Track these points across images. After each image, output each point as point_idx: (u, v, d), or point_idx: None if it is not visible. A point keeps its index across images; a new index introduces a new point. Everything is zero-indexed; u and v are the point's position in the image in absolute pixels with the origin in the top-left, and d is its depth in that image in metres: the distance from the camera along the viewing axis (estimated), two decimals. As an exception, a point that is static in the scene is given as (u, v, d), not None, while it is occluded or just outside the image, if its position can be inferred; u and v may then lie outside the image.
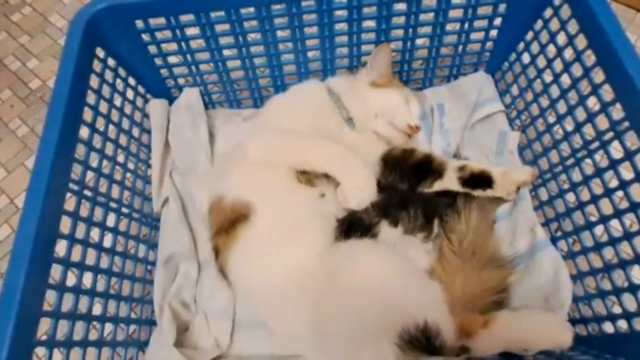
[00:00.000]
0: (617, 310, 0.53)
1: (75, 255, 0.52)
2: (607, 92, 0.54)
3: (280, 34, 0.69)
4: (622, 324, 0.53)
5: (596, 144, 0.56)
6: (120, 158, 0.65)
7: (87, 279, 0.54)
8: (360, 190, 0.58)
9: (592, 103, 0.57)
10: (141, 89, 0.74)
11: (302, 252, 0.55)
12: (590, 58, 0.56)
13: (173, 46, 0.70)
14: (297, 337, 0.55)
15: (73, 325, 0.50)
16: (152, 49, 0.70)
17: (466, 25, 0.71)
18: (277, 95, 0.74)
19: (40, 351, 0.45)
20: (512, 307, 0.58)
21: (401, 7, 0.67)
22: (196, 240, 0.70)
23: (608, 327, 0.54)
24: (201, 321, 0.65)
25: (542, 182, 0.67)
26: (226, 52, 0.73)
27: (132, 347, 0.60)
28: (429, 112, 0.79)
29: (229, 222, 0.57)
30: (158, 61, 0.73)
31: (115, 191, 0.62)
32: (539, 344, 0.52)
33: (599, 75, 0.55)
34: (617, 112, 0.52)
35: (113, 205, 0.61)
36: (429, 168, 0.64)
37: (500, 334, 0.51)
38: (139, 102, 0.73)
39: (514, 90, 0.74)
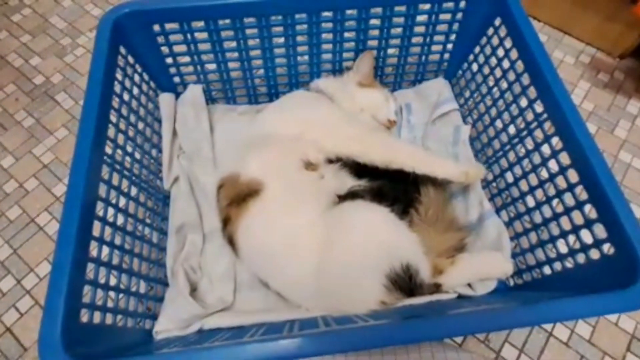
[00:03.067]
0: (542, 258, 0.69)
1: (109, 217, 0.62)
2: (532, 92, 0.71)
3: (275, 40, 0.82)
4: (546, 270, 0.68)
5: (525, 132, 0.73)
6: (139, 141, 0.75)
7: (117, 239, 0.64)
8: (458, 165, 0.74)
9: (522, 101, 0.74)
10: (153, 84, 0.85)
11: (303, 217, 0.67)
12: (520, 66, 0.73)
13: (182, 48, 0.82)
14: (297, 288, 0.67)
15: (110, 271, 0.59)
16: (165, 49, 0.81)
17: (428, 39, 0.87)
18: (282, 102, 0.84)
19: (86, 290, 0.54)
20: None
21: (376, 22, 0.82)
22: (201, 215, 0.81)
23: (536, 274, 0.70)
24: (206, 283, 0.76)
25: (488, 165, 0.83)
26: (228, 55, 0.85)
27: (151, 300, 0.69)
28: (398, 110, 0.95)
29: (242, 195, 0.68)
30: (169, 60, 0.84)
31: (135, 168, 0.72)
32: (490, 273, 0.69)
33: (526, 79, 0.72)
34: (539, 107, 0.69)
35: (135, 179, 0.71)
36: None
37: (464, 268, 0.67)
38: (151, 94, 0.83)
39: (466, 92, 0.90)
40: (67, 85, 1.04)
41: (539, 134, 0.70)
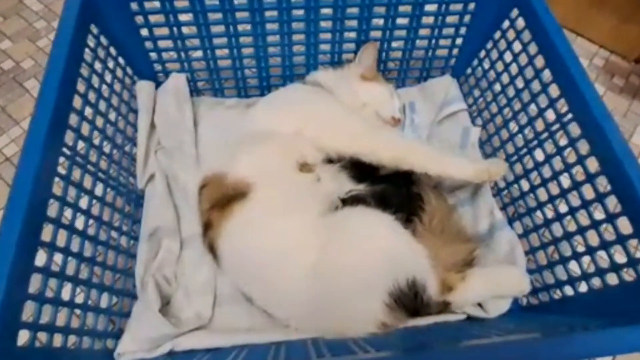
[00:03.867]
0: (562, 276, 0.61)
1: (65, 220, 0.52)
2: (554, 90, 0.63)
3: (269, 26, 0.74)
4: (568, 290, 0.61)
5: (545, 134, 0.65)
6: (110, 132, 0.66)
7: (75, 246, 0.54)
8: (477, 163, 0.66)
9: (542, 100, 0.66)
10: (129, 70, 0.76)
11: (296, 224, 0.58)
12: (540, 62, 0.66)
13: (164, 31, 0.73)
14: (285, 304, 0.58)
15: (61, 282, 0.50)
16: (144, 31, 0.73)
17: (436, 32, 0.80)
18: (278, 98, 0.75)
19: (29, 306, 0.45)
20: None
21: (380, 10, 0.74)
22: (179, 218, 0.72)
23: (556, 294, 0.62)
24: (182, 296, 0.66)
25: (500, 171, 0.75)
26: (216, 41, 0.76)
27: (115, 316, 0.60)
28: (401, 109, 0.87)
29: (227, 198, 0.60)
30: (148, 44, 0.75)
31: (103, 163, 0.63)
32: (505, 290, 0.61)
33: (547, 76, 0.65)
34: (562, 106, 0.62)
35: (101, 175, 0.61)
36: None
37: (476, 284, 0.59)
38: (127, 81, 0.74)
39: (476, 92, 0.83)
40: (38, 72, 0.94)
41: (561, 136, 0.62)
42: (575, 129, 0.59)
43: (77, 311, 0.53)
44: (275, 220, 0.59)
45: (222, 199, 0.60)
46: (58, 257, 0.50)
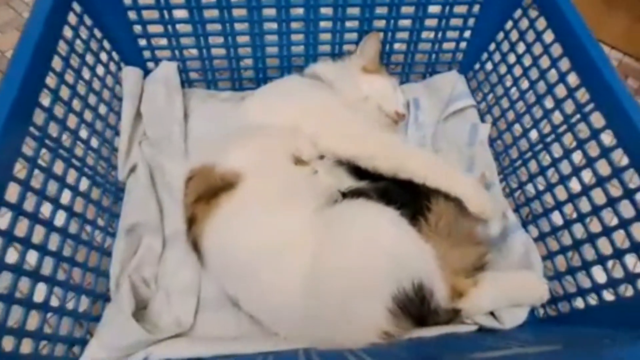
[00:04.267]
0: (586, 284, 0.55)
1: (28, 207, 0.47)
2: (573, 78, 0.58)
3: (266, 12, 0.70)
4: (591, 299, 0.54)
5: (564, 127, 0.60)
6: (88, 117, 0.60)
7: (38, 236, 0.48)
8: (483, 197, 0.59)
9: (559, 90, 0.61)
10: (116, 56, 0.71)
11: (290, 218, 0.52)
12: (557, 50, 0.61)
13: (154, 14, 0.68)
14: (276, 309, 0.52)
15: (17, 279, 0.44)
16: (132, 14, 0.68)
17: (443, 23, 0.75)
18: (272, 88, 0.71)
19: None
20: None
21: (385, -3, 0.70)
22: (163, 214, 0.66)
23: (579, 303, 0.56)
24: (162, 300, 0.60)
25: (512, 170, 0.69)
26: (209, 27, 0.72)
27: (83, 319, 0.53)
28: (405, 106, 0.81)
29: (214, 190, 0.54)
30: (137, 29, 0.70)
31: (79, 150, 0.57)
32: (522, 298, 0.55)
33: (565, 64, 0.60)
34: (582, 95, 0.56)
35: (76, 162, 0.56)
36: None
37: (490, 290, 0.53)
38: (112, 67, 0.69)
39: (485, 87, 0.78)
40: (23, 62, 0.90)
41: (582, 128, 0.57)
42: (597, 120, 0.54)
43: (33, 313, 0.46)
44: (267, 214, 0.53)
45: (208, 190, 0.55)
46: (15, 249, 0.44)
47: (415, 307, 0.48)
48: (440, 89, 0.83)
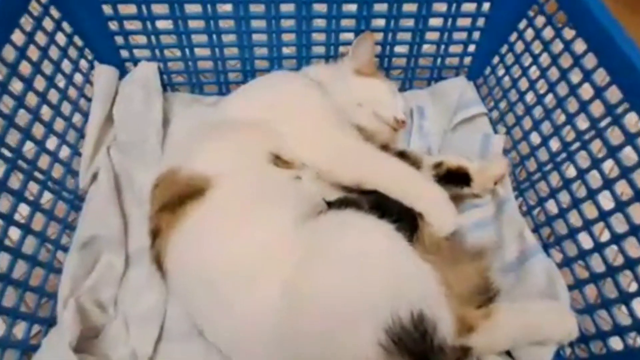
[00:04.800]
0: (625, 320, 0.45)
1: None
2: (601, 77, 0.50)
3: (253, 8, 0.64)
4: (630, 339, 0.44)
5: (592, 133, 0.51)
6: (46, 115, 0.54)
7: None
8: (445, 212, 0.51)
9: (584, 91, 0.53)
10: (89, 54, 0.65)
11: (266, 231, 0.45)
12: (580, 46, 0.53)
13: (132, 9, 0.63)
14: (246, 340, 0.43)
15: None
16: (107, 9, 0.62)
17: (449, 23, 0.68)
18: (255, 84, 0.63)
19: None
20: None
21: (385, -7, 0.64)
22: (128, 228, 0.58)
23: (615, 343, 0.45)
24: (119, 327, 0.52)
25: (529, 184, 0.60)
26: (192, 24, 0.66)
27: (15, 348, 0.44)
28: (408, 114, 0.74)
29: (180, 197, 0.47)
30: (113, 25, 0.65)
31: (29, 149, 0.50)
32: (546, 333, 0.45)
33: (590, 62, 0.52)
34: (612, 94, 0.48)
35: (22, 164, 0.48)
36: None
37: (505, 325, 0.44)
38: (83, 65, 0.63)
39: (497, 92, 0.70)
40: None
41: (614, 133, 0.48)
42: (632, 122, 0.46)
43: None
44: (238, 226, 0.45)
45: (174, 198, 0.48)
46: None
47: (415, 342, 0.39)
48: (447, 96, 0.75)
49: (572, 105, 0.55)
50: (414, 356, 0.40)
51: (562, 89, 0.56)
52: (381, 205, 0.47)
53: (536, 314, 0.46)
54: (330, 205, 0.46)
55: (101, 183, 0.56)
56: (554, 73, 0.58)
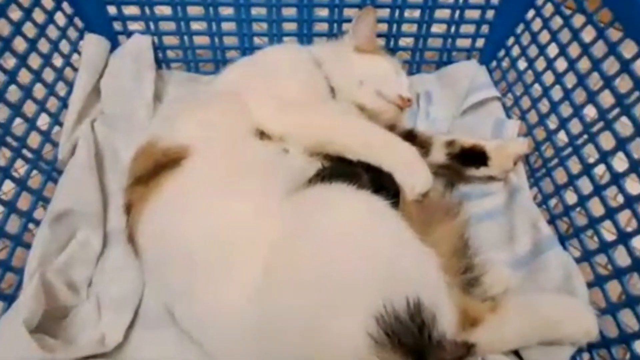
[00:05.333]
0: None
1: None
2: (629, 47, 0.45)
3: (252, -21, 0.60)
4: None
5: (616, 110, 0.46)
6: (24, 78, 0.50)
7: None
8: (417, 170, 0.46)
9: (609, 65, 0.48)
10: (80, 23, 0.62)
11: (247, 204, 0.41)
12: (605, 16, 0.48)
13: (125, -24, 0.60)
14: (221, 325, 0.39)
15: None
16: (99, -25, 0.60)
17: (460, 0, 0.64)
18: (245, 58, 0.61)
19: None
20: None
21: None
22: (108, 206, 0.54)
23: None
24: (90, 310, 0.48)
25: (545, 172, 0.55)
26: (188, -4, 0.63)
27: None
28: (414, 100, 0.69)
29: (154, 168, 0.44)
30: (105, -6, 0.62)
31: (2, 113, 0.47)
32: (561, 331, 0.40)
33: (614, 34, 0.47)
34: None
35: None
36: (412, 144, 0.52)
37: (514, 319, 0.39)
38: (72, 34, 0.60)
39: (511, 76, 0.65)
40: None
41: (642, 109, 0.43)
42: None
43: None
44: (216, 199, 0.41)
45: (149, 169, 0.44)
46: None
47: (410, 335, 0.34)
48: (457, 80, 0.70)
49: (595, 82, 0.49)
50: (408, 351, 0.35)
51: (584, 65, 0.51)
52: (375, 181, 0.42)
53: (550, 308, 0.41)
54: (323, 176, 0.41)
55: (80, 154, 0.53)
56: (574, 49, 0.53)
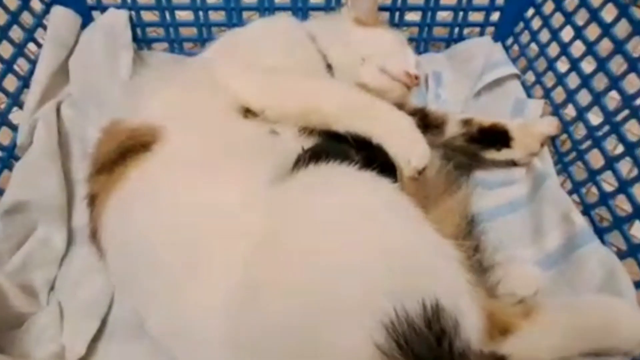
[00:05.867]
0: None
1: None
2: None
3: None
4: None
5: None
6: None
7: None
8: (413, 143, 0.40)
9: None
10: (46, -4, 0.55)
11: (229, 193, 0.34)
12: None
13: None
14: (195, 334, 0.32)
15: None
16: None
17: (474, -34, 0.57)
18: (235, 30, 0.55)
19: None
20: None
21: None
22: (74, 199, 0.48)
23: None
24: (50, 318, 0.41)
25: (576, 156, 0.48)
26: (168, -35, 0.56)
27: None
28: (422, 80, 0.62)
29: (119, 153, 0.37)
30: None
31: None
32: (606, 340, 0.33)
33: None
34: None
35: None
36: (423, 123, 0.45)
37: (552, 326, 0.32)
38: (36, 7, 0.53)
39: (532, 50, 0.58)
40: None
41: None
42: None
43: None
44: (193, 187, 0.35)
45: (113, 154, 0.37)
46: None
47: (427, 346, 0.27)
48: (469, 59, 0.63)
49: (635, 45, 0.42)
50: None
51: (622, 30, 0.44)
52: (374, 161, 0.35)
53: (595, 311, 0.34)
54: (311, 157, 0.34)
55: (39, 138, 0.46)
56: (610, 11, 0.46)
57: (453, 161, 0.45)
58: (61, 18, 0.55)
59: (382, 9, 0.60)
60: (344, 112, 0.39)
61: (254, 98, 0.40)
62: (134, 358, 0.40)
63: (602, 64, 0.46)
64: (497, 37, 0.64)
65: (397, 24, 0.63)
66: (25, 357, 0.38)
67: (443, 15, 0.63)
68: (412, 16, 0.63)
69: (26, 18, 0.52)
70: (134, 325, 0.40)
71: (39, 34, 0.54)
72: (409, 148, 0.39)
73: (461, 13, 0.62)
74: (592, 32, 0.48)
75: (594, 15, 0.48)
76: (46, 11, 0.55)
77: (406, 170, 0.38)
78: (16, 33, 0.50)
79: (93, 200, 0.38)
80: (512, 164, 0.50)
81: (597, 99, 0.46)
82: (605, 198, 0.44)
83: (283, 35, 0.49)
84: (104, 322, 0.42)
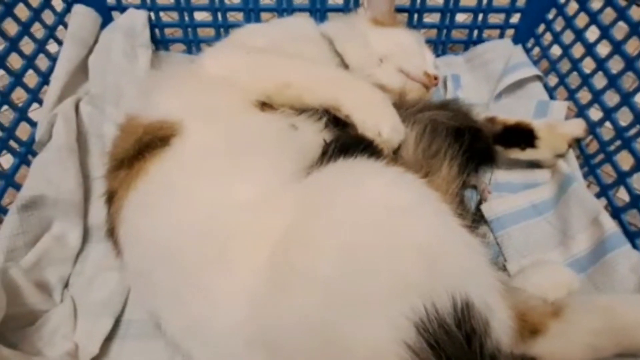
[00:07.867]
0: None
1: None
2: None
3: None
4: None
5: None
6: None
7: None
8: (385, 117, 0.39)
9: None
10: (67, -5, 0.56)
11: (250, 190, 0.33)
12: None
13: (118, -57, 0.54)
14: (214, 334, 0.31)
15: None
16: (90, -60, 0.54)
17: (494, -32, 0.57)
18: (249, 25, 0.55)
19: None
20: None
21: None
22: (91, 196, 0.47)
23: None
24: (64, 316, 0.40)
25: (604, 158, 0.46)
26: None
27: None
28: (440, 83, 0.61)
29: (137, 149, 0.36)
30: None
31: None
32: None
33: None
34: None
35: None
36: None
37: (583, 325, 0.31)
38: (58, 6, 0.54)
39: (554, 52, 0.57)
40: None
41: None
42: None
43: None
44: (213, 183, 0.34)
45: (131, 151, 0.36)
46: None
47: (456, 347, 0.26)
48: (489, 61, 0.62)
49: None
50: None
51: (653, 28, 0.43)
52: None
53: (629, 309, 0.32)
54: (336, 151, 0.33)
55: (57, 134, 0.45)
56: (636, 11, 0.45)
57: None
58: (82, 16, 0.55)
59: (400, 10, 0.60)
60: (313, 84, 0.39)
61: (224, 70, 0.41)
62: (147, 358, 0.38)
63: (630, 64, 0.45)
64: (517, 40, 0.63)
65: (415, 25, 0.62)
66: (38, 355, 0.37)
67: (462, 17, 0.63)
68: (431, 18, 0.63)
69: (47, 16, 0.52)
70: (148, 325, 0.39)
71: (59, 31, 0.54)
72: (380, 119, 0.38)
73: (481, 15, 0.62)
74: (620, 31, 0.47)
75: (622, 14, 0.47)
76: (67, 9, 0.56)
77: (379, 142, 0.37)
78: (37, 30, 0.50)
79: (112, 196, 0.37)
80: (536, 165, 0.48)
81: (626, 99, 0.45)
82: (636, 201, 0.42)
83: (292, 28, 0.48)
84: (117, 322, 0.41)
